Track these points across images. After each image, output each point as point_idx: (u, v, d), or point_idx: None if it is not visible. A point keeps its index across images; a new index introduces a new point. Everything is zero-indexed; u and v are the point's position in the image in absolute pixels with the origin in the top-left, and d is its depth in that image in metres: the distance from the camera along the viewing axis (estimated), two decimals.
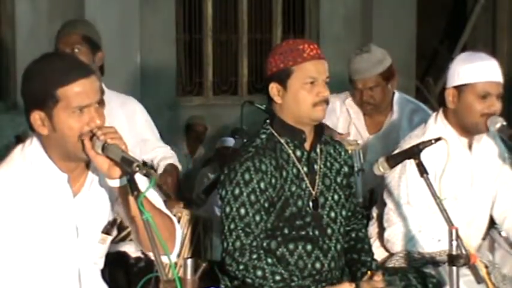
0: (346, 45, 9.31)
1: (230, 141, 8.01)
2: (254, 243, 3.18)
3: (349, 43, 9.53)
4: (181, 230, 2.90)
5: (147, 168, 2.52)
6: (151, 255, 2.73)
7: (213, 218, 4.05)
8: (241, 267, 3.17)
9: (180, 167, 4.32)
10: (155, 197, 2.81)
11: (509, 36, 12.06)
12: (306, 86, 3.22)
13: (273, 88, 3.26)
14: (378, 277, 3.21)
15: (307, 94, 3.22)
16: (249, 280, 3.18)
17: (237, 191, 3.19)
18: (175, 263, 2.77)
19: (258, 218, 3.19)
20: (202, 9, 10.21)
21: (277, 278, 3.15)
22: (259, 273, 3.16)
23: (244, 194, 3.19)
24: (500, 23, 12.07)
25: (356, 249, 3.41)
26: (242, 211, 3.19)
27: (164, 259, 2.45)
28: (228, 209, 3.21)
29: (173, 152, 4.37)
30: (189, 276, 2.43)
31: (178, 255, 2.89)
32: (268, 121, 3.34)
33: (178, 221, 3.69)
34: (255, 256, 3.16)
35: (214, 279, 3.36)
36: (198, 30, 10.26)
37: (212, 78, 10.38)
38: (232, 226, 3.19)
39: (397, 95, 4.47)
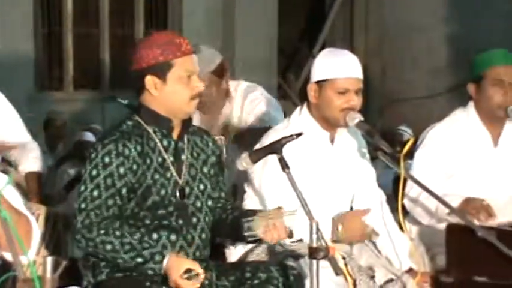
0: (208, 42, 9.32)
1: (89, 136, 7.86)
2: (104, 222, 3.16)
3: (211, 39, 9.56)
4: (39, 230, 2.84)
5: (4, 165, 2.45)
6: (4, 254, 2.67)
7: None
8: (90, 243, 3.16)
9: (40, 165, 4.18)
10: (12, 195, 2.74)
11: (366, 33, 12.39)
12: (184, 79, 3.28)
13: (150, 80, 3.27)
14: (282, 209, 3.23)
15: (185, 87, 3.29)
16: (101, 256, 3.18)
17: (94, 172, 3.20)
18: (34, 261, 2.70)
19: (110, 202, 3.19)
20: (62, 2, 10.01)
21: (127, 247, 3.14)
22: (108, 247, 3.14)
23: (101, 176, 3.19)
24: (357, 20, 12.39)
25: (233, 210, 3.45)
26: (95, 193, 3.18)
27: (23, 258, 2.39)
28: (82, 188, 3.21)
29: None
30: (48, 274, 2.38)
31: (37, 254, 2.83)
32: (133, 111, 3.33)
33: (37, 218, 3.61)
34: (102, 231, 3.15)
35: (76, 277, 3.31)
36: (57, 23, 10.05)
37: (73, 72, 10.20)
38: (83, 206, 3.18)
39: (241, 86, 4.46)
